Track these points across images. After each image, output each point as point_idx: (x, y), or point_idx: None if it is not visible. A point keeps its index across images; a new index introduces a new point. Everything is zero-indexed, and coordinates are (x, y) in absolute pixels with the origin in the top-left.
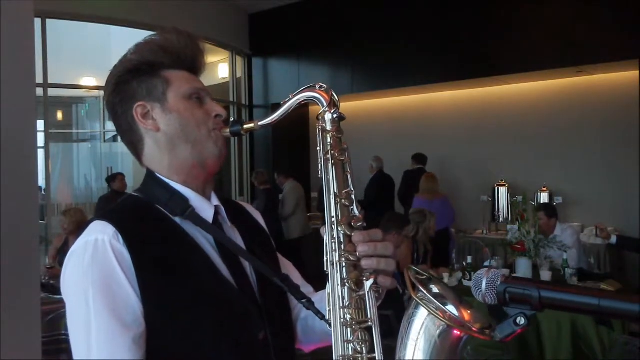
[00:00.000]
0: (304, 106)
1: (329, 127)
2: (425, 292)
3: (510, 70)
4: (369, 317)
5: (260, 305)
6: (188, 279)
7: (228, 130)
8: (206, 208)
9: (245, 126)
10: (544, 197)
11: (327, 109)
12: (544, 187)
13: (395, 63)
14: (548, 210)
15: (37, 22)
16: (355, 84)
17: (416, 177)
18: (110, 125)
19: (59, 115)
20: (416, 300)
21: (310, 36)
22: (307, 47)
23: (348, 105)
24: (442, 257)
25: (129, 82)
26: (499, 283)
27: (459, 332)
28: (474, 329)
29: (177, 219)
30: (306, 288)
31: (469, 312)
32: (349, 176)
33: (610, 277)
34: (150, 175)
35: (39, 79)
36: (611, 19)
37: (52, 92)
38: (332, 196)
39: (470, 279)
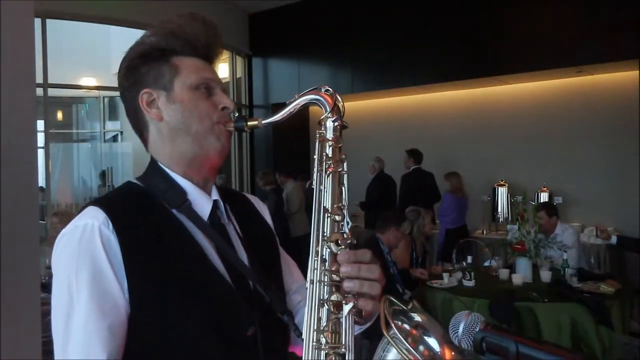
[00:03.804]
0: (304, 107)
1: (329, 136)
2: (397, 330)
3: (510, 70)
4: (344, 342)
5: (253, 300)
6: (177, 268)
7: (232, 125)
8: (204, 202)
9: (249, 123)
10: (544, 197)
11: (329, 114)
12: (544, 187)
13: (395, 63)
14: (549, 209)
15: (37, 22)
16: (355, 84)
17: (415, 178)
18: (110, 125)
19: (59, 115)
20: (387, 339)
21: (310, 36)
22: (307, 47)
23: (348, 105)
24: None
25: (139, 67)
26: (477, 330)
27: None
28: None
29: (174, 210)
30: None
31: (449, 346)
32: (343, 189)
33: (610, 277)
34: (152, 163)
35: (39, 79)
36: (611, 19)
37: (52, 92)
38: (322, 210)
39: (470, 279)
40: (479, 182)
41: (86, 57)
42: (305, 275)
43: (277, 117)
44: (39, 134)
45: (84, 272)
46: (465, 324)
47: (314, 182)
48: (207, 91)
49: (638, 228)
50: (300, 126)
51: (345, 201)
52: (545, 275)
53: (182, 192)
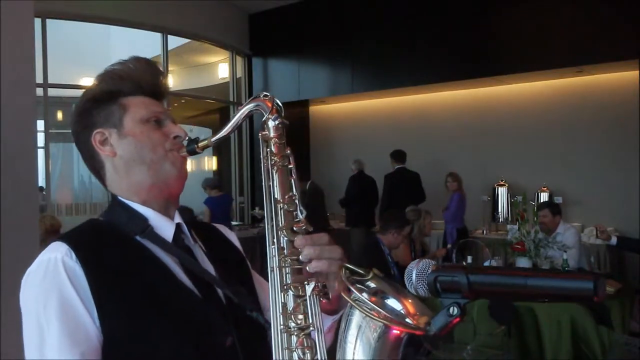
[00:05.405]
0: (303, 106)
1: (271, 134)
2: (358, 292)
3: (510, 70)
4: (312, 322)
5: (227, 312)
6: (145, 290)
7: (185, 150)
8: (166, 226)
9: (200, 144)
10: (543, 197)
11: (269, 115)
12: (544, 187)
13: (395, 63)
14: (552, 208)
15: (37, 22)
16: (355, 84)
17: (398, 178)
18: None
19: (59, 115)
20: (350, 302)
21: (310, 36)
22: (307, 47)
23: (348, 105)
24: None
25: (89, 111)
26: (429, 272)
27: (397, 331)
28: (413, 323)
29: (138, 238)
30: None
31: (411, 302)
32: (292, 181)
33: (610, 277)
34: (112, 199)
35: (39, 79)
36: (611, 19)
37: (52, 92)
38: (272, 202)
39: None
40: (479, 182)
41: (86, 57)
42: None
43: (224, 132)
44: (39, 134)
45: (52, 305)
46: (417, 270)
47: (263, 180)
48: (157, 123)
49: (638, 228)
50: (300, 126)
51: (296, 191)
52: None
53: (143, 219)
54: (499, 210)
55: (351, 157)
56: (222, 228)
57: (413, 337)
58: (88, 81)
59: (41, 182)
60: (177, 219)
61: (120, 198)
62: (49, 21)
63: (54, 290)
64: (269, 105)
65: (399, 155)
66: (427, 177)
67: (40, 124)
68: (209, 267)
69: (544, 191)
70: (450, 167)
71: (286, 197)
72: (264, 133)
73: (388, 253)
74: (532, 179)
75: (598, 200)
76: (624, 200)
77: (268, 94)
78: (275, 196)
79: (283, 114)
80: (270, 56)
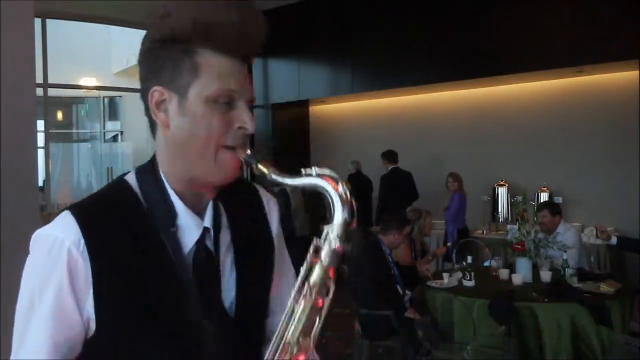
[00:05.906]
0: (303, 106)
1: (325, 260)
2: None
3: (510, 70)
4: None
5: (223, 339)
6: (151, 299)
7: (244, 153)
8: (192, 228)
9: (259, 166)
10: (544, 197)
11: (333, 227)
12: (544, 187)
13: (395, 63)
14: (551, 208)
15: (37, 22)
16: (355, 84)
17: (393, 178)
18: (110, 125)
19: (59, 115)
20: None
21: (310, 36)
22: (307, 47)
23: (348, 105)
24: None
25: (157, 55)
26: None
27: None
28: None
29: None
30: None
31: None
32: (318, 318)
33: (610, 277)
34: (154, 163)
35: (39, 79)
36: (611, 19)
37: (52, 92)
38: (282, 338)
39: (470, 279)
40: (479, 182)
41: (86, 57)
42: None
43: (285, 180)
44: (39, 134)
45: (47, 287)
46: None
47: (288, 305)
48: (228, 105)
49: (638, 228)
50: (300, 125)
51: (315, 336)
52: (545, 275)
53: (171, 215)
54: (499, 210)
55: (351, 157)
56: (265, 198)
57: (413, 337)
58: (88, 81)
59: (41, 182)
60: (207, 221)
61: (160, 172)
62: (49, 21)
63: (52, 278)
64: (344, 199)
65: (391, 156)
66: (427, 177)
67: (40, 124)
68: (228, 276)
69: (544, 191)
70: (450, 167)
71: (300, 340)
72: (316, 247)
73: (388, 253)
74: (532, 179)
75: (598, 200)
76: (624, 200)
77: (348, 190)
78: (288, 336)
79: (354, 222)
80: (270, 56)
